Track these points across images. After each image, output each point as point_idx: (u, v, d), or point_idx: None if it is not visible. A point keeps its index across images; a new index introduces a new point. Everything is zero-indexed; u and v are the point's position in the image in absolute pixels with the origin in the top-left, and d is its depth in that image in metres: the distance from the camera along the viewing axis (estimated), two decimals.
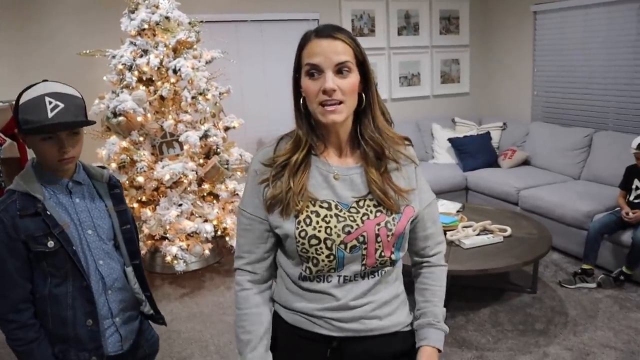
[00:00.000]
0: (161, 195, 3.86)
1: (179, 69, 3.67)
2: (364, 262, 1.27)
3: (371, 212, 1.27)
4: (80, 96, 1.59)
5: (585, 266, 3.56)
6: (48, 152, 1.50)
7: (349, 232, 1.24)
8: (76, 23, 4.41)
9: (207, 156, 4.01)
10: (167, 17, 3.81)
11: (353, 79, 1.23)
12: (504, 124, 5.50)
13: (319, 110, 1.23)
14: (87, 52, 3.96)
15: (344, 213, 1.26)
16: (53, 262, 1.51)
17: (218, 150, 3.99)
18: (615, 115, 4.64)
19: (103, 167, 1.76)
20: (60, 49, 4.34)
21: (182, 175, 3.66)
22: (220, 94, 3.97)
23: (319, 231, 1.24)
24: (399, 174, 1.32)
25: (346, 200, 1.28)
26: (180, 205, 3.68)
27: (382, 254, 1.28)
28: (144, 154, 3.75)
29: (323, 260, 1.26)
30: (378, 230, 1.26)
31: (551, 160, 4.86)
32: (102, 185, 1.71)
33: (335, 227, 1.24)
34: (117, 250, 1.72)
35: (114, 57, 3.83)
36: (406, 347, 1.37)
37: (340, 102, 1.22)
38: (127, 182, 3.80)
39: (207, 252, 3.89)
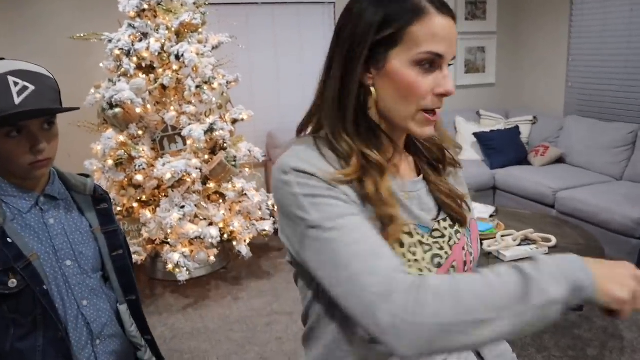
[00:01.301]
0: (162, 194, 3.49)
1: (182, 55, 3.28)
2: None
3: (452, 234, 0.95)
4: (53, 77, 1.20)
5: None
6: (15, 152, 1.12)
7: (439, 265, 0.90)
8: (71, 4, 4.02)
9: (213, 152, 3.63)
10: None
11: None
12: (535, 117, 5.07)
13: (418, 117, 0.87)
14: (82, 35, 3.57)
15: (427, 239, 0.91)
16: (17, 306, 1.11)
17: (225, 145, 3.61)
18: None
19: (86, 176, 1.37)
20: (54, 33, 3.94)
21: (184, 174, 3.29)
22: (227, 83, 3.58)
23: (410, 267, 0.87)
24: (455, 180, 1.06)
25: (425, 221, 0.93)
26: (183, 207, 3.30)
27: None
28: (143, 150, 3.37)
29: None
30: (465, 256, 0.96)
31: (589, 159, 4.43)
32: (85, 199, 1.31)
33: (424, 259, 0.89)
34: (106, 283, 1.33)
35: (110, 41, 3.44)
36: None
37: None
38: (126, 180, 3.44)
39: (212, 258, 3.52)
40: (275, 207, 1.10)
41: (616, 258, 3.50)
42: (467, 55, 5.48)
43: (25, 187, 1.19)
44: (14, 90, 1.10)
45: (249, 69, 4.40)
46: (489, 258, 2.87)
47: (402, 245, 0.88)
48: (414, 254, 0.88)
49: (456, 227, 0.97)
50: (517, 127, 4.97)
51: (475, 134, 4.91)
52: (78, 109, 1.24)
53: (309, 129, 0.96)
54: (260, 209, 3.71)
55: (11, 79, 1.10)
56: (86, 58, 3.93)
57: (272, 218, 3.78)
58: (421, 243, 0.90)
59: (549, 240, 3.05)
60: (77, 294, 1.22)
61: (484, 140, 4.86)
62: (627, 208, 3.50)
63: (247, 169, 3.82)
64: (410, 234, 0.90)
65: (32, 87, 1.12)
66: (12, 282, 1.09)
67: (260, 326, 3.09)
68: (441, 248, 0.92)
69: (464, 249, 0.96)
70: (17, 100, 1.09)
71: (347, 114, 0.88)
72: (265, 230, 3.67)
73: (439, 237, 0.93)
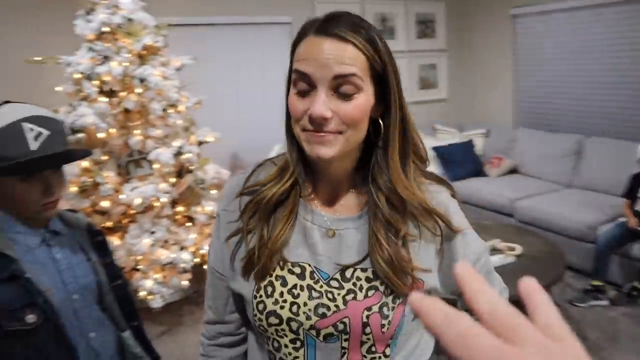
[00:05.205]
0: (128, 220, 3.40)
1: (146, 78, 3.24)
2: (345, 356, 0.87)
3: (360, 288, 0.86)
4: (60, 120, 1.22)
5: (595, 282, 3.34)
6: (28, 195, 1.12)
7: (323, 315, 0.86)
8: (22, 26, 3.89)
9: (179, 175, 3.57)
10: (130, 19, 3.37)
11: (361, 101, 0.82)
12: (488, 130, 5.29)
13: (303, 136, 0.84)
14: (38, 59, 3.46)
15: (321, 286, 0.87)
16: (31, 343, 1.08)
17: (191, 168, 3.57)
18: (604, 120, 4.48)
19: (74, 211, 1.38)
20: (4, 56, 3.80)
21: (154, 199, 3.23)
22: (192, 105, 3.55)
23: (282, 307, 0.86)
24: (418, 245, 0.89)
25: (327, 267, 0.88)
26: (153, 232, 3.24)
27: (374, 348, 0.87)
28: (108, 175, 3.28)
29: (287, 346, 0.88)
30: (367, 317, 0.85)
31: (540, 168, 4.67)
32: (81, 234, 1.32)
33: (306, 305, 0.86)
34: (103, 314, 1.33)
35: (69, 64, 3.35)
36: None
37: (339, 132, 0.82)
38: (90, 207, 3.33)
39: (185, 282, 3.45)
40: None
41: (575, 263, 3.71)
42: (420, 72, 5.67)
43: (34, 225, 1.19)
44: (29, 136, 1.10)
45: (210, 89, 4.37)
46: None
47: (285, 283, 0.87)
48: (295, 296, 0.86)
49: (375, 283, 0.86)
50: (471, 140, 5.18)
51: (434, 148, 5.07)
52: (91, 153, 1.25)
53: None
54: None
55: (26, 125, 1.10)
56: (37, 81, 3.80)
57: None
58: (311, 288, 0.87)
59: (513, 249, 3.19)
60: (84, 326, 1.22)
61: (442, 153, 5.03)
62: (580, 214, 3.71)
63: (214, 191, 3.78)
64: (301, 275, 0.88)
65: (46, 132, 1.13)
66: (30, 318, 1.07)
67: None
68: (332, 299, 0.86)
69: (369, 309, 0.85)
70: (34, 146, 1.10)
71: (289, 134, 0.91)
72: None
73: (335, 287, 0.87)
